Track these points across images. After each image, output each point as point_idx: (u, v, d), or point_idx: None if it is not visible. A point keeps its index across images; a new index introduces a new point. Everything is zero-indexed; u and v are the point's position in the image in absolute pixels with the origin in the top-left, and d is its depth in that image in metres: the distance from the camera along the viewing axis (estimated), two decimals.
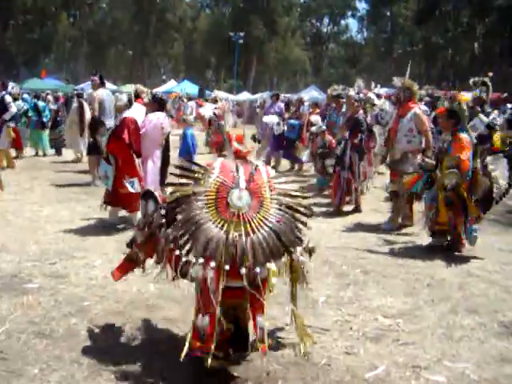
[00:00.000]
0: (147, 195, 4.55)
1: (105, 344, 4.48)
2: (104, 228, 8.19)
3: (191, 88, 38.82)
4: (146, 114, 8.84)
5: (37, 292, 5.54)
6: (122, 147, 8.04)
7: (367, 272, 6.55)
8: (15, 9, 56.13)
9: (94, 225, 8.44)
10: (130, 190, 7.89)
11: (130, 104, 8.58)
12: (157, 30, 73.29)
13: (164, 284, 5.75)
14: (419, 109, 9.03)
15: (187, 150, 10.57)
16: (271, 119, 15.11)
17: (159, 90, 39.83)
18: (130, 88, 40.13)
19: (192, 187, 4.14)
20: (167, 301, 5.39)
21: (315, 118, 12.80)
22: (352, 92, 10.64)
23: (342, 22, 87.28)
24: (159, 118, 8.78)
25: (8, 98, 12.95)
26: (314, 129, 12.06)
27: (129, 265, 4.74)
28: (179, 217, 4.05)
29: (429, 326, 5.06)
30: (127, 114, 8.32)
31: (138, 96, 12.54)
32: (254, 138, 14.48)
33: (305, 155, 13.89)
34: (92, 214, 8.93)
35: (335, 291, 5.89)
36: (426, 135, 8.74)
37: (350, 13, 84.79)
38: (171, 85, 45.37)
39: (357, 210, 10.07)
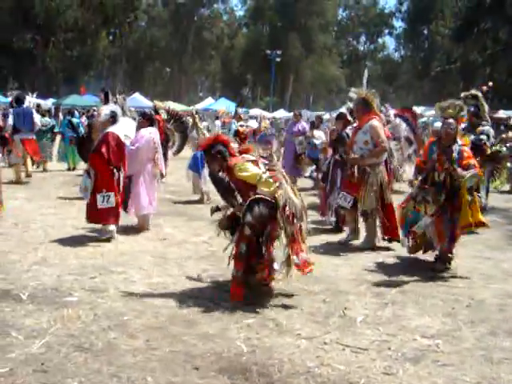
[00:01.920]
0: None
1: (144, 358, 4.50)
2: (140, 243, 8.30)
3: (228, 105, 39.08)
4: (137, 130, 9.17)
5: (76, 306, 5.61)
6: (100, 162, 8.24)
7: (405, 292, 6.48)
8: (57, 27, 57.21)
9: (131, 240, 8.52)
10: (100, 204, 8.17)
11: (114, 120, 8.60)
12: (194, 48, 74.05)
13: (202, 300, 5.83)
14: (377, 121, 8.51)
15: (195, 165, 11.65)
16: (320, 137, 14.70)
17: (198, 107, 40.30)
18: (168, 105, 40.53)
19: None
20: (205, 317, 5.40)
21: (318, 134, 12.76)
22: (344, 109, 10.55)
23: (379, 39, 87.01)
24: (151, 133, 9.08)
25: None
26: (317, 143, 12.02)
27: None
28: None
29: (468, 348, 4.98)
30: (110, 129, 8.44)
31: (156, 112, 12.92)
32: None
33: (309, 171, 13.82)
34: (129, 230, 9.03)
35: (373, 310, 5.83)
36: (380, 147, 8.33)
37: (386, 31, 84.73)
38: (208, 102, 45.82)
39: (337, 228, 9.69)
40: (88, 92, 47.18)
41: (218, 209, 6.46)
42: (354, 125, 10.07)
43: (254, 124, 12.15)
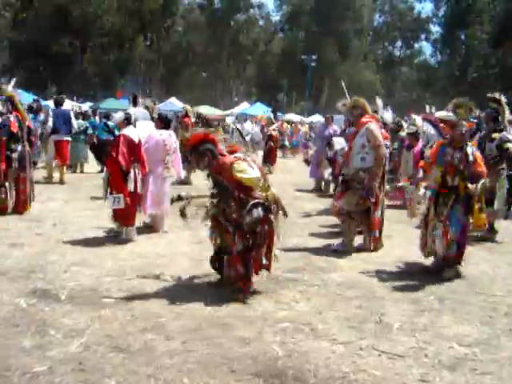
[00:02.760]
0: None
1: (180, 360, 4.54)
2: (177, 245, 8.37)
3: (263, 110, 39.10)
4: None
5: (114, 306, 5.68)
6: (111, 163, 8.41)
7: (442, 299, 6.41)
8: (94, 32, 57.96)
9: (167, 242, 8.60)
10: (112, 206, 8.34)
11: (128, 122, 8.80)
12: (230, 53, 74.30)
13: (238, 303, 5.85)
14: (373, 123, 8.52)
15: None
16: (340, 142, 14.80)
17: (234, 111, 40.46)
18: (203, 109, 40.78)
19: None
20: (241, 320, 5.43)
21: (337, 140, 12.74)
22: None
23: (415, 45, 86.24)
24: (162, 135, 9.18)
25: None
26: (338, 149, 11.94)
27: None
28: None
29: (507, 357, 4.92)
30: (124, 131, 8.61)
31: (186, 115, 13.19)
32: (306, 162, 14.39)
33: (326, 173, 13.77)
34: (167, 233, 9.13)
35: (409, 317, 5.79)
36: (378, 149, 8.30)
37: (423, 36, 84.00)
38: (244, 107, 45.88)
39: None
40: (124, 96, 47.67)
41: (179, 198, 6.53)
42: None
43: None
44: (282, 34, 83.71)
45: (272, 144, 20.48)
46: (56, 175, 14.89)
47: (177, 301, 5.90)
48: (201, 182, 13.89)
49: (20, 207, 10.26)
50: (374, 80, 77.13)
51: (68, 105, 15.79)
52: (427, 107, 12.59)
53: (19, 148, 10.08)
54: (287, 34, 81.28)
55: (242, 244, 6.04)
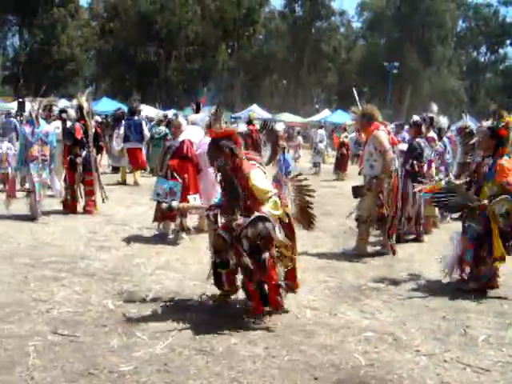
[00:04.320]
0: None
1: (263, 365, 4.57)
2: None
3: (344, 118, 38.87)
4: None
5: (198, 310, 5.78)
6: (187, 166, 8.79)
7: None
8: (178, 41, 59.18)
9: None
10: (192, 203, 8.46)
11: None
12: (311, 60, 74.25)
13: (320, 311, 5.85)
14: (379, 129, 8.44)
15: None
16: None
17: (315, 119, 40.40)
18: (284, 117, 40.90)
19: None
20: (324, 328, 5.42)
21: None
22: (417, 117, 10.25)
23: (500, 50, 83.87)
24: None
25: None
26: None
27: None
28: None
29: None
30: (184, 136, 9.10)
31: (250, 122, 13.54)
32: None
33: None
34: None
35: (495, 330, 5.63)
36: (384, 156, 8.22)
37: (508, 41, 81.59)
38: (324, 114, 45.73)
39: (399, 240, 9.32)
40: (207, 103, 48.33)
41: (170, 208, 6.40)
42: (430, 134, 10.21)
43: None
44: (363, 40, 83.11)
45: (344, 151, 20.48)
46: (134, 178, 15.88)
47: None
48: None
49: (88, 208, 11.03)
50: (458, 87, 75.51)
51: (153, 112, 16.47)
52: (463, 115, 11.93)
53: (84, 153, 10.88)
54: (368, 41, 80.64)
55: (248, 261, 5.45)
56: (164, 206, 6.60)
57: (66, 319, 5.43)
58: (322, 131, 23.96)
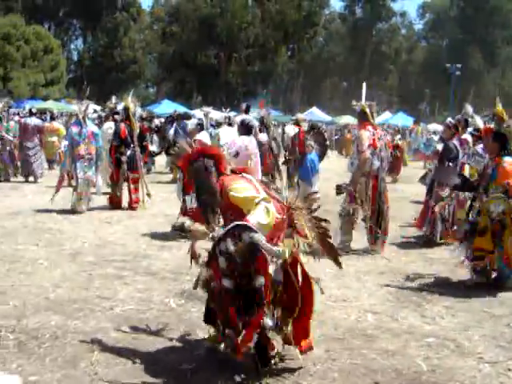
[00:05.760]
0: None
1: (324, 368, 4.57)
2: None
3: (405, 120, 38.46)
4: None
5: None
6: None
7: None
8: (239, 44, 59.51)
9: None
10: (188, 205, 8.58)
11: (201, 128, 10.05)
12: (372, 62, 73.68)
13: (382, 315, 5.80)
14: (365, 130, 8.52)
15: (305, 174, 11.96)
16: None
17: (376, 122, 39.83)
18: (344, 119, 40.69)
19: None
20: (385, 333, 5.38)
21: None
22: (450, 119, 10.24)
23: None
24: (244, 140, 9.44)
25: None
26: None
27: None
28: None
29: None
30: (198, 136, 9.42)
31: (298, 123, 13.80)
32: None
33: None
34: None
35: None
36: (360, 155, 8.37)
37: None
38: (385, 116, 45.21)
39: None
40: (266, 106, 48.52)
41: (182, 229, 6.01)
42: (464, 136, 10.07)
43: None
44: (425, 42, 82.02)
45: (398, 153, 20.26)
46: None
47: (319, 309, 5.91)
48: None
49: (132, 204, 11.62)
50: None
51: (216, 114, 16.88)
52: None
53: (129, 152, 11.45)
54: (430, 42, 79.55)
55: (230, 282, 4.28)
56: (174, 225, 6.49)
57: (128, 317, 5.55)
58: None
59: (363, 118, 8.77)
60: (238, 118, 12.37)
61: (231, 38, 58.99)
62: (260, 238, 4.12)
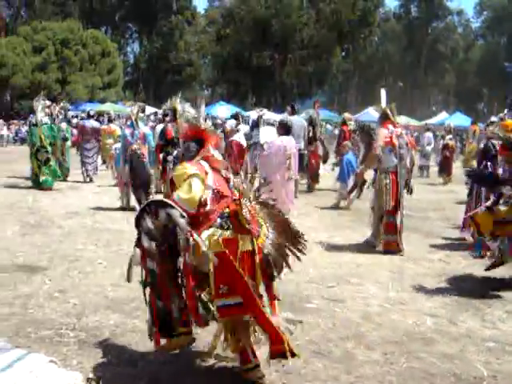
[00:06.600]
0: None
1: (381, 371, 4.55)
2: (377, 257, 8.34)
3: (463, 120, 37.71)
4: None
5: (315, 313, 5.81)
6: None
7: None
8: (293, 45, 59.46)
9: (367, 252, 8.57)
10: None
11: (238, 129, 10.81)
12: (428, 61, 72.68)
13: (440, 318, 5.73)
14: (384, 128, 8.72)
15: (342, 176, 12.66)
16: None
17: (430, 122, 39.41)
18: (398, 120, 40.11)
19: None
20: (444, 337, 5.31)
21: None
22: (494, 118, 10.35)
23: None
24: (283, 141, 9.91)
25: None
26: None
27: None
28: None
29: None
30: (234, 137, 10.29)
31: (344, 123, 14.12)
32: None
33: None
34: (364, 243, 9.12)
35: None
36: (371, 153, 8.91)
37: None
38: (442, 116, 44.49)
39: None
40: (321, 107, 48.36)
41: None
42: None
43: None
44: (483, 40, 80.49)
45: (447, 154, 19.86)
46: None
47: (376, 311, 5.91)
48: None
49: None
50: None
51: (272, 115, 17.38)
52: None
53: (175, 152, 11.50)
54: (488, 41, 77.98)
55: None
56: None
57: None
58: (429, 134, 23.19)
59: (384, 119, 8.87)
60: (287, 118, 12.51)
61: (285, 39, 58.95)
62: (175, 213, 3.95)
